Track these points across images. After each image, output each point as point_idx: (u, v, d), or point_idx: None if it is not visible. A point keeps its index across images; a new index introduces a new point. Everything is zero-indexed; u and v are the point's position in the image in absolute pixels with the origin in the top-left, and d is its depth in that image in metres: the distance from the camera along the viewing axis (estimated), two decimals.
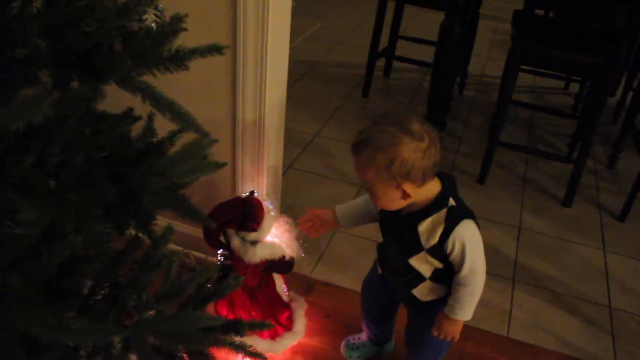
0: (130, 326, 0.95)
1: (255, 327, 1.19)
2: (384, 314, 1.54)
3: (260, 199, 1.49)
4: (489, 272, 1.22)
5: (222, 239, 1.50)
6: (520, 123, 3.02)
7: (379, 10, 2.86)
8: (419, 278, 1.27)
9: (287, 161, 2.45)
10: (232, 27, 1.39)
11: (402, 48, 3.30)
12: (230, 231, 1.46)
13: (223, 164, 1.12)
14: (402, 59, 3.20)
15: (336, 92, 3.16)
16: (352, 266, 1.94)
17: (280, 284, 1.60)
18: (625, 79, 3.06)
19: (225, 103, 1.49)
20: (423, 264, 1.24)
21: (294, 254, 1.54)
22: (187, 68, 0.90)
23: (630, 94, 2.93)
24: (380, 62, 3.29)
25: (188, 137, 1.01)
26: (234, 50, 1.41)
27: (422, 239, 1.20)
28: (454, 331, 1.27)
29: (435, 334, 1.29)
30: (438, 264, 1.23)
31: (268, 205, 1.49)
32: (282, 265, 1.52)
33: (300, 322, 1.64)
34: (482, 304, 1.80)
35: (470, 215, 1.20)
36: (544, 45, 2.14)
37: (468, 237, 1.18)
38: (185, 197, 1.02)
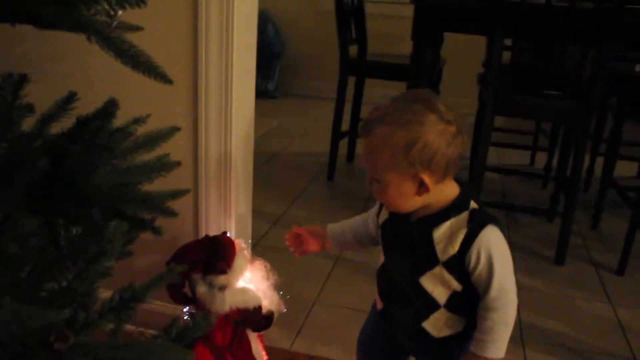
0: (63, 352, 0.68)
1: None
2: None
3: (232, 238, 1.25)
4: None
5: (187, 290, 1.24)
6: (494, 193, 2.90)
7: (340, 87, 2.80)
8: (431, 305, 1.03)
9: (254, 238, 2.22)
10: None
11: None
12: (196, 277, 1.20)
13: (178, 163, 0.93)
14: None
15: (301, 176, 3.01)
16: (337, 338, 1.66)
17: (257, 348, 1.31)
18: (590, 146, 3.03)
19: (185, 135, 1.30)
20: (437, 285, 1.01)
21: (272, 307, 1.28)
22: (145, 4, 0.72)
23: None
24: (343, 150, 3.19)
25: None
26: (195, 65, 1.25)
27: (438, 249, 0.98)
28: None
29: None
30: (456, 285, 1.00)
31: (241, 244, 1.25)
32: (258, 319, 1.25)
33: None
34: None
35: (496, 222, 0.99)
36: (516, 93, 2.07)
37: (496, 247, 0.96)
38: (137, 184, 0.80)
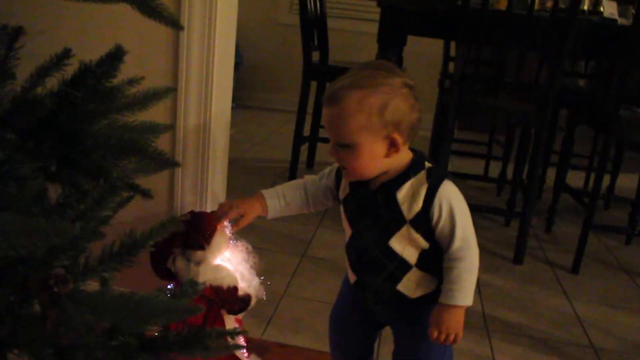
0: (62, 297, 0.66)
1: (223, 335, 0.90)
2: (363, 351, 1.26)
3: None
4: None
5: (171, 265, 1.21)
6: None
7: (303, 90, 2.82)
8: (403, 267, 1.06)
9: None
10: None
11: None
12: (177, 251, 1.19)
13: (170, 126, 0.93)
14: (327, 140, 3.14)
15: (262, 181, 3.00)
16: (307, 327, 1.66)
17: None
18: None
19: (163, 103, 1.29)
20: (407, 246, 1.05)
21: (250, 291, 1.27)
22: None
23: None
24: (303, 157, 3.21)
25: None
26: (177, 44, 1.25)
27: (404, 208, 1.02)
28: (456, 325, 1.04)
29: (435, 334, 1.04)
30: (424, 243, 1.04)
31: (224, 223, 1.24)
32: (233, 299, 1.23)
33: None
34: (462, 353, 1.59)
35: (451, 178, 1.05)
36: (478, 94, 2.15)
37: (455, 198, 1.03)
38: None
